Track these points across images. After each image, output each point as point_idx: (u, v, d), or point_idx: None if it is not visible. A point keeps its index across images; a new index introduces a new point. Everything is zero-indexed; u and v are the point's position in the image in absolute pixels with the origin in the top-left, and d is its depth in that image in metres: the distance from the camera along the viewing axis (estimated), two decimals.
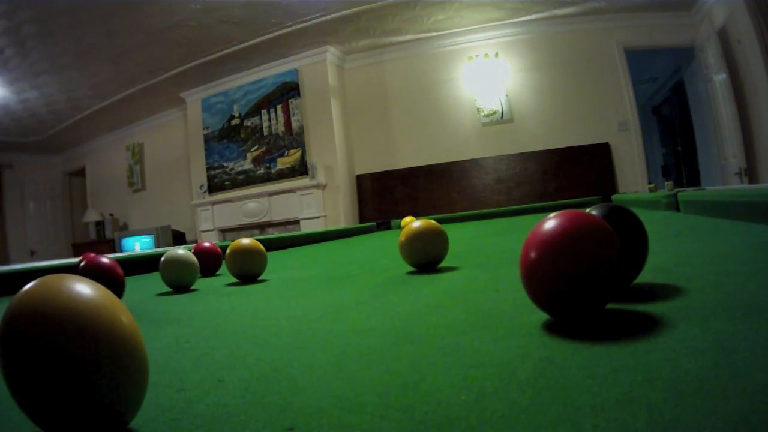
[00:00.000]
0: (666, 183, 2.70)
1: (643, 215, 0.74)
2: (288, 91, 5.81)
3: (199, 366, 0.37)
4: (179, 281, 0.87)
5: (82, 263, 0.86)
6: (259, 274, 0.95)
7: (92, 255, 0.91)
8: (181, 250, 0.89)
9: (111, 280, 0.79)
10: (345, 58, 5.97)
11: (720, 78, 4.63)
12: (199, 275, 0.92)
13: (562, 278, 0.34)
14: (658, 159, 8.86)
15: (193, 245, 1.10)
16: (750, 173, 4.42)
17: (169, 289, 0.89)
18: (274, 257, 1.48)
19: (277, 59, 5.78)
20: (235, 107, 6.18)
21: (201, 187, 6.39)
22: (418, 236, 0.79)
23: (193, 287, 0.91)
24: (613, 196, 2.93)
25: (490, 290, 0.56)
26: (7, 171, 7.86)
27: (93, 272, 0.79)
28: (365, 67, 5.99)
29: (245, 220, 6.05)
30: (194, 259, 0.89)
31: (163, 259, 0.87)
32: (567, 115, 5.31)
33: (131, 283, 1.17)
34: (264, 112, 5.97)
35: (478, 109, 5.55)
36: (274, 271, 1.09)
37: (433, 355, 0.33)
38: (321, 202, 5.62)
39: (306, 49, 5.56)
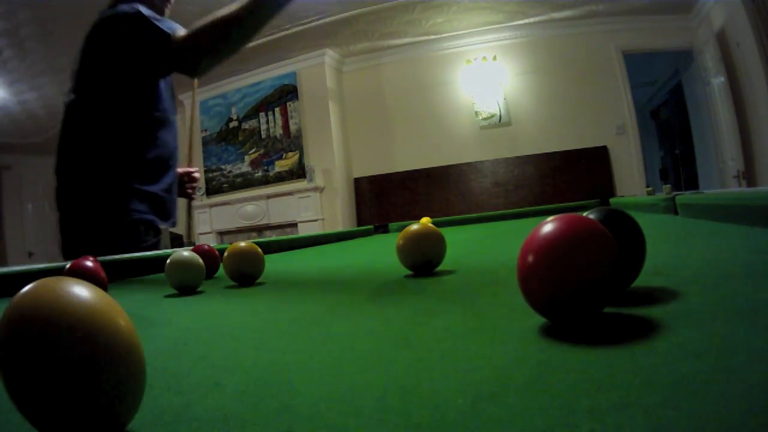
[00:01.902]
0: (664, 186, 2.70)
1: (640, 219, 0.74)
2: (286, 93, 5.82)
3: (197, 369, 0.37)
4: (185, 283, 0.87)
5: (67, 266, 0.88)
6: (257, 277, 0.95)
7: (91, 257, 0.91)
8: (186, 252, 0.89)
9: (95, 283, 0.79)
10: (343, 61, 5.98)
11: (718, 81, 4.65)
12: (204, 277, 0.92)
13: (560, 282, 0.34)
14: (656, 162, 8.88)
15: (191, 248, 1.10)
16: (748, 176, 4.43)
17: (172, 291, 0.89)
18: (271, 260, 1.47)
19: (276, 62, 5.78)
20: (233, 110, 6.18)
21: (199, 189, 6.38)
22: (416, 239, 0.79)
23: (199, 289, 0.91)
24: (611, 200, 2.93)
25: (487, 294, 0.56)
26: (5, 172, 7.84)
27: (77, 275, 0.79)
28: (363, 70, 6.00)
29: (243, 223, 6.05)
30: (200, 260, 0.89)
31: (168, 261, 0.87)
32: (565, 119, 5.32)
33: (132, 285, 1.16)
34: (262, 114, 5.97)
35: (476, 112, 5.56)
36: (272, 274, 1.09)
37: (430, 358, 0.33)
38: (319, 205, 5.62)
39: (304, 51, 5.57)
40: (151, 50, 1.43)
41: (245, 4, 1.32)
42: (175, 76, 1.59)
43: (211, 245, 1.22)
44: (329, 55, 5.64)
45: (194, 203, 6.42)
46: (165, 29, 1.41)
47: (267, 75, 5.91)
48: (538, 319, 0.39)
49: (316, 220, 5.55)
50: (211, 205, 6.22)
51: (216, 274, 1.16)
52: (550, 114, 5.36)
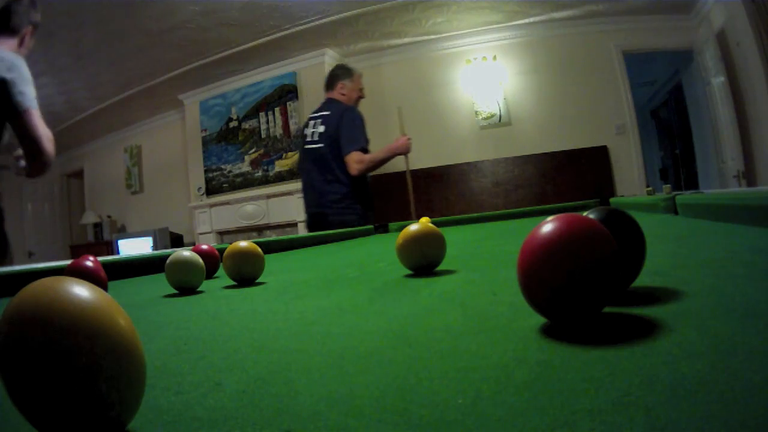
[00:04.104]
0: (664, 186, 2.70)
1: (640, 218, 0.74)
2: (286, 93, 5.81)
3: (197, 368, 0.37)
4: (185, 283, 0.87)
5: (67, 266, 0.88)
6: (257, 277, 0.95)
7: (91, 257, 0.91)
8: (186, 252, 0.89)
9: (95, 283, 0.79)
10: (343, 61, 5.97)
11: (718, 81, 4.64)
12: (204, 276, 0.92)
13: (560, 282, 0.34)
14: (656, 162, 8.88)
15: (191, 247, 1.10)
16: (748, 176, 4.42)
17: (172, 291, 0.89)
18: (271, 260, 1.47)
19: (276, 62, 5.78)
20: (233, 110, 6.17)
21: (199, 189, 6.37)
22: (416, 239, 0.79)
23: (199, 289, 0.91)
24: (611, 200, 2.93)
25: (487, 293, 0.56)
26: (5, 172, 7.83)
27: (77, 275, 0.79)
28: (363, 70, 5.96)
29: (243, 223, 6.04)
30: (200, 260, 0.89)
31: (168, 260, 0.87)
32: (565, 118, 5.31)
33: (132, 285, 1.16)
34: (262, 114, 5.96)
35: (476, 112, 5.56)
36: (272, 273, 1.09)
37: (430, 358, 0.33)
38: None
39: (304, 51, 5.56)
40: (347, 150, 3.00)
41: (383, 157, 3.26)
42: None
43: (211, 245, 1.22)
44: (329, 55, 5.64)
45: (194, 203, 6.43)
46: (359, 147, 3.00)
47: (267, 75, 5.90)
48: (538, 319, 0.39)
49: None
50: (211, 205, 6.21)
51: (216, 274, 1.16)
52: (550, 114, 5.35)
